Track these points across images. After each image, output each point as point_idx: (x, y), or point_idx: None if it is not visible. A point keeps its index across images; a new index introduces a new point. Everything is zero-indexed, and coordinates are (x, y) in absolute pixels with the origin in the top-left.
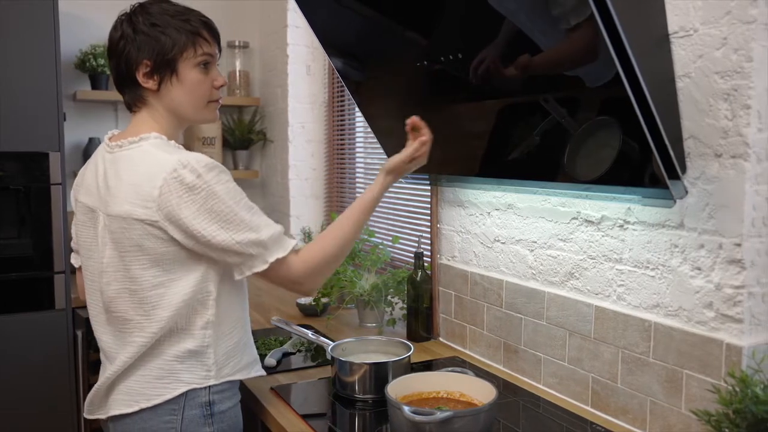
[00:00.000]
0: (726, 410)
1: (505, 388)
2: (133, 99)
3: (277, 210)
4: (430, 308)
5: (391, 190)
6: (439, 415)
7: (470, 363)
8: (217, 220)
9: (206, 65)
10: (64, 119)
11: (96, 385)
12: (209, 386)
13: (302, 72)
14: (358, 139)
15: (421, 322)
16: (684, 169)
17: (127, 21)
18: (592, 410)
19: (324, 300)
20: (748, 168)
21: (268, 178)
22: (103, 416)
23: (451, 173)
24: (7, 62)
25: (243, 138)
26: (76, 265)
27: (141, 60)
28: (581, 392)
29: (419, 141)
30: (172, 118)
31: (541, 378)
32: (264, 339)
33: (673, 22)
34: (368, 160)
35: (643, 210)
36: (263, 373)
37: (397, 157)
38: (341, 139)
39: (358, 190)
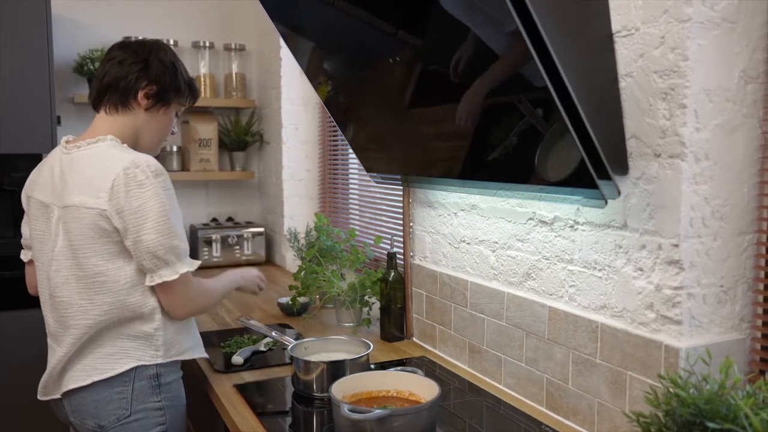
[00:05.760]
0: (657, 412)
1: (469, 388)
2: (120, 101)
3: (271, 211)
4: (403, 308)
5: (372, 190)
6: (376, 412)
7: (438, 363)
8: (151, 219)
9: (177, 113)
10: (59, 122)
11: (48, 369)
12: (156, 364)
13: (295, 74)
14: None
15: (394, 322)
16: (626, 169)
17: (162, 51)
18: (546, 411)
19: (301, 300)
20: (685, 168)
21: (264, 179)
22: (57, 395)
23: (418, 174)
24: (1, 66)
25: (239, 139)
26: (25, 260)
27: (151, 83)
28: (537, 393)
29: None
30: (132, 135)
31: (501, 378)
32: (238, 338)
33: (616, 22)
34: None
35: (590, 211)
36: (206, 355)
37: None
38: (334, 140)
39: (351, 190)
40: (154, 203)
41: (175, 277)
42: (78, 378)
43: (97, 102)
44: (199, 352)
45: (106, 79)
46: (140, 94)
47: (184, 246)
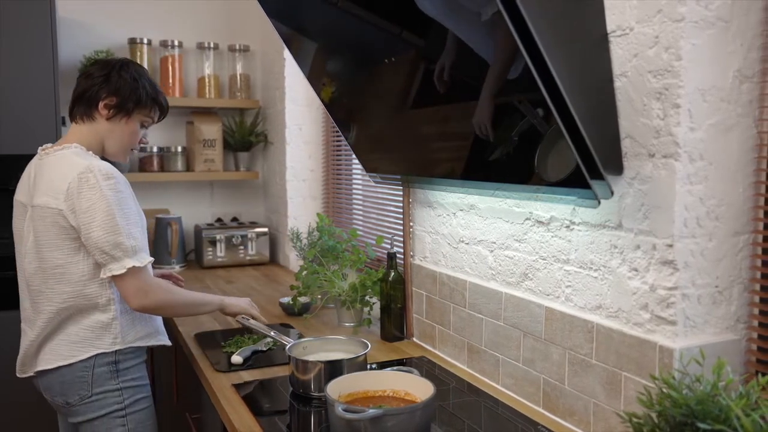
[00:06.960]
0: (650, 412)
1: (468, 388)
2: (85, 112)
3: (275, 211)
4: (404, 308)
5: (373, 190)
6: (370, 412)
7: (438, 364)
8: (98, 218)
9: (144, 125)
10: (63, 123)
11: (22, 350)
12: (116, 351)
13: (299, 75)
14: None
15: (393, 322)
16: (621, 169)
17: (125, 67)
18: (543, 412)
19: (303, 300)
20: (678, 168)
21: (268, 179)
22: (31, 373)
23: (418, 174)
24: (6, 67)
25: (243, 140)
26: None
27: (111, 94)
28: (534, 393)
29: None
30: (98, 143)
31: (499, 379)
32: (238, 337)
33: (611, 21)
34: None
35: (586, 211)
36: (168, 342)
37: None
38: (338, 141)
39: (354, 190)
40: (101, 204)
41: (123, 271)
42: (46, 361)
43: (70, 113)
44: (156, 340)
45: (76, 92)
46: (101, 105)
47: (132, 243)
